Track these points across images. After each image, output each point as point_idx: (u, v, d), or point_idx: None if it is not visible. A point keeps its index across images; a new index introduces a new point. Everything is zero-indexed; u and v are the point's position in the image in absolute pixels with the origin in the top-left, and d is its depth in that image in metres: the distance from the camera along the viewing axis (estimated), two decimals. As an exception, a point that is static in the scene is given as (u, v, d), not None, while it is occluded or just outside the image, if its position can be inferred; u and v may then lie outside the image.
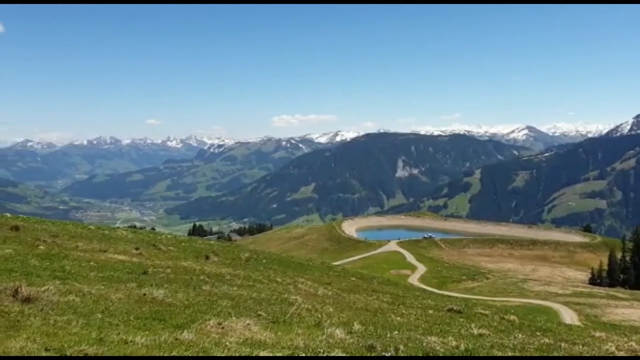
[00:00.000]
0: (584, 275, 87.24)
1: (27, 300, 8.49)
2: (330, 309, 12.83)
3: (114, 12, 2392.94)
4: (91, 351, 6.26)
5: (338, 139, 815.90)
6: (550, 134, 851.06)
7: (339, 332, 8.86)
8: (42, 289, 9.29)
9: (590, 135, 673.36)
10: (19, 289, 8.68)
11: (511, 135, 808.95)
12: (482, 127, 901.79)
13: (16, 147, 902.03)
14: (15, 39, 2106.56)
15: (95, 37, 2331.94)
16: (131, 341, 6.87)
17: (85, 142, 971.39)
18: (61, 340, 6.69)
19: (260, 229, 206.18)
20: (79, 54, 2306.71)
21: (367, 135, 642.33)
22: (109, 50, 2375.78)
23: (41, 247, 16.87)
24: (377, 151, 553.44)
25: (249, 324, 8.59)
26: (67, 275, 11.89)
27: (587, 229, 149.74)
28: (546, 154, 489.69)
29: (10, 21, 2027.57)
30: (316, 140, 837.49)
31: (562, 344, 11.10)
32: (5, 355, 5.96)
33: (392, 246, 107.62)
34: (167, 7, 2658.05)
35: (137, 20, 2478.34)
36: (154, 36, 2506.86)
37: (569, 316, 46.46)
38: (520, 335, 11.73)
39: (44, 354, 6.11)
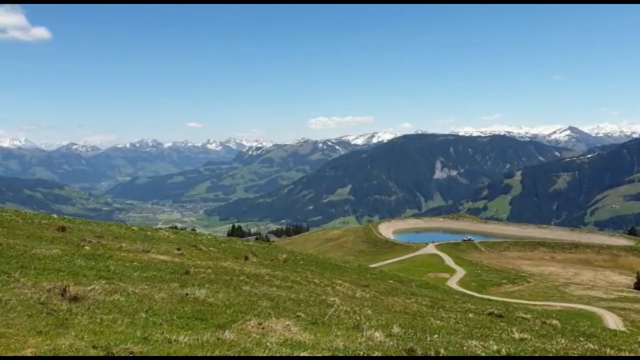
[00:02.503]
0: (629, 280, 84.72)
1: (74, 299, 8.76)
2: (369, 312, 12.82)
3: (155, 16, 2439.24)
4: (136, 349, 6.42)
5: (375, 140, 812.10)
6: (593, 135, 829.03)
7: (378, 335, 8.86)
8: (89, 288, 9.57)
9: (635, 136, 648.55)
10: (67, 288, 8.97)
11: (553, 136, 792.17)
12: (522, 127, 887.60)
13: (62, 150, 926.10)
14: (61, 45, 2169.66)
15: (137, 43, 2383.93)
16: (174, 340, 7.02)
17: (128, 145, 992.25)
18: (107, 338, 6.88)
19: (297, 230, 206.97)
20: (121, 59, 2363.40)
21: (405, 136, 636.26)
22: (150, 55, 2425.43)
23: (87, 247, 17.25)
24: (414, 152, 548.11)
25: (288, 324, 8.66)
26: (111, 275, 12.17)
27: (632, 232, 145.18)
28: (589, 155, 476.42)
29: (57, 27, 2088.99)
30: (352, 142, 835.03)
31: (607, 350, 10.85)
32: (55, 351, 6.17)
33: (430, 249, 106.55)
34: (204, 11, 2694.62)
35: (176, 26, 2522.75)
36: (193, 41, 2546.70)
37: (613, 321, 45.23)
38: (563, 340, 11.51)
39: (91, 351, 6.30)
